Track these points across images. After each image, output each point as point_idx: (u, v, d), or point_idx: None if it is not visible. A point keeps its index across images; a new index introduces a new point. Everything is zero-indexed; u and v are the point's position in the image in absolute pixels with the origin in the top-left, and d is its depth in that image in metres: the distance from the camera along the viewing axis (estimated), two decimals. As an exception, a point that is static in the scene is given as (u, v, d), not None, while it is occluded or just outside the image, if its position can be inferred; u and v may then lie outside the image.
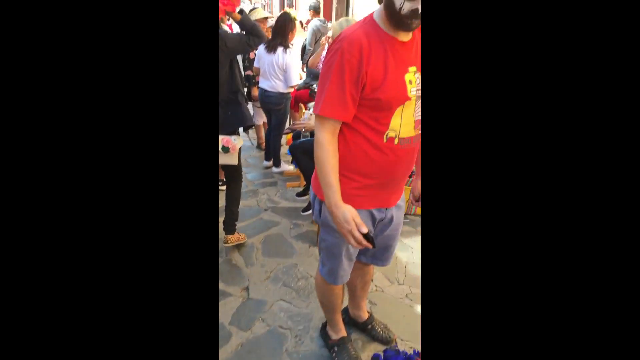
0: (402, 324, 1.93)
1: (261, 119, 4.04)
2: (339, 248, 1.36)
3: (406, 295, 2.15)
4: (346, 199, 1.18)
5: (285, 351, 1.81)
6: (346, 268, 1.45)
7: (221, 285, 2.23)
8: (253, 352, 1.81)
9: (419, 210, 3.06)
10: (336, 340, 1.72)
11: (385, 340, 1.79)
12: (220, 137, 2.20)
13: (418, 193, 1.54)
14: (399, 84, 1.13)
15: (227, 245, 2.50)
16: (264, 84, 3.45)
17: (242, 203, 2.80)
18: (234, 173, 2.42)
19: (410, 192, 1.54)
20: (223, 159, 2.23)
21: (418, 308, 2.07)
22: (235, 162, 2.30)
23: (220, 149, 2.20)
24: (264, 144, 3.89)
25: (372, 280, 2.19)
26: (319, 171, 1.18)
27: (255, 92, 3.73)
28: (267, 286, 2.21)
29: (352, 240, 1.14)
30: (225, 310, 2.05)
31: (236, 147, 2.23)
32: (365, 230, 1.14)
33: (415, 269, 2.35)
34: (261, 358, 1.78)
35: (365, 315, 1.85)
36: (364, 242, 1.13)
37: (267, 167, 3.80)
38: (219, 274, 2.32)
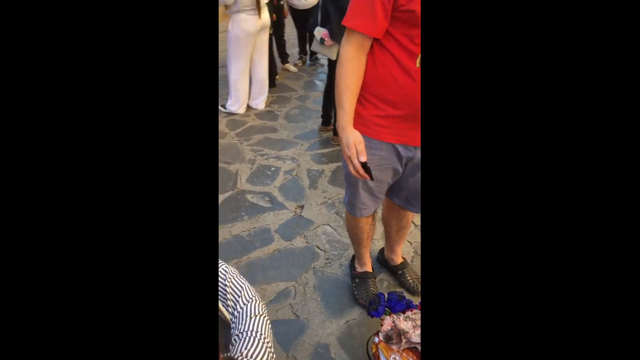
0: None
1: None
2: (354, 177, 1.29)
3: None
4: (366, 126, 1.13)
5: (312, 267, 1.93)
6: (366, 202, 1.41)
7: (280, 198, 2.42)
8: (285, 259, 1.98)
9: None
10: (359, 272, 1.77)
11: (412, 290, 1.77)
12: (320, 29, 2.51)
13: None
14: None
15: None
16: None
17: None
18: (332, 69, 2.74)
19: None
20: (319, 49, 2.64)
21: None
22: (333, 57, 2.55)
23: (318, 40, 2.56)
24: None
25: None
26: (335, 88, 1.14)
27: None
28: (320, 209, 2.33)
29: (351, 167, 1.11)
30: (276, 220, 2.24)
31: (330, 41, 2.50)
32: (363, 159, 1.08)
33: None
34: (291, 265, 1.94)
35: (399, 260, 1.84)
36: (362, 171, 1.09)
37: None
38: (276, 191, 2.50)
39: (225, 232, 2.16)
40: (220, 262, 1.03)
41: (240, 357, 0.77)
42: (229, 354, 0.81)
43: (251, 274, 1.92)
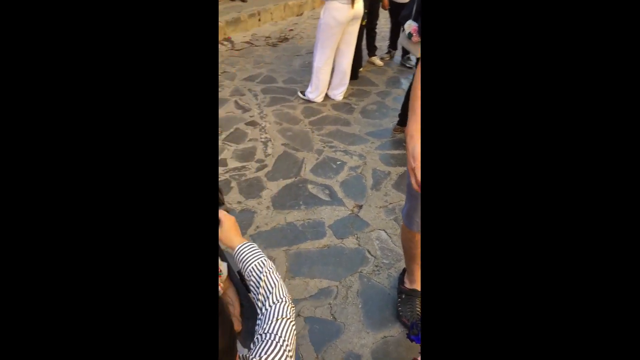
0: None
1: None
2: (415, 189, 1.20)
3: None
4: None
5: (359, 271, 1.86)
6: None
7: (340, 194, 2.36)
8: (333, 257, 1.93)
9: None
10: (407, 289, 1.66)
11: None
12: (411, 23, 2.50)
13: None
14: None
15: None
16: None
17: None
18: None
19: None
20: (405, 43, 2.72)
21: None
22: (418, 55, 2.54)
23: (406, 34, 2.53)
24: None
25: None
26: (411, 90, 1.03)
27: None
28: (378, 213, 2.23)
29: (413, 180, 1.01)
30: (332, 215, 2.20)
31: (418, 37, 2.48)
32: None
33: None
34: (338, 264, 1.89)
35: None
36: None
37: None
38: (336, 188, 2.45)
39: (280, 218, 2.17)
40: (261, 254, 1.02)
41: None
42: (246, 355, 0.79)
43: (297, 264, 1.90)
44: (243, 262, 1.01)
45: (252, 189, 2.38)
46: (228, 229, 1.08)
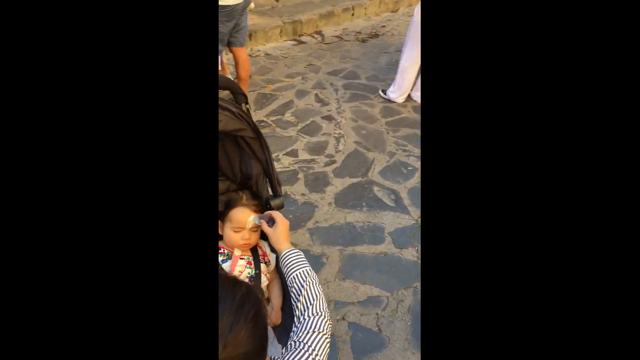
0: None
1: None
2: None
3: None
4: None
5: (414, 286, 1.76)
6: None
7: (406, 201, 2.25)
8: (389, 266, 1.85)
9: None
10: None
11: None
12: None
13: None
14: None
15: None
16: None
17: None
18: None
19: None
20: None
21: None
22: None
23: None
24: None
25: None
26: None
27: None
28: (445, 228, 2.08)
29: None
30: (394, 222, 2.10)
31: None
32: None
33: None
34: (393, 274, 1.80)
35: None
36: None
37: None
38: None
39: (340, 216, 2.13)
40: (306, 263, 1.02)
41: None
42: (276, 358, 0.78)
43: (350, 266, 1.85)
44: (287, 268, 1.01)
45: (317, 183, 2.37)
46: (280, 232, 1.08)
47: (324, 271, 1.85)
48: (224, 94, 1.24)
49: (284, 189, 2.31)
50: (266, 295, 1.22)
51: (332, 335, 1.61)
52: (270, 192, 1.24)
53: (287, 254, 1.03)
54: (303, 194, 2.28)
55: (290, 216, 2.13)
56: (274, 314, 1.16)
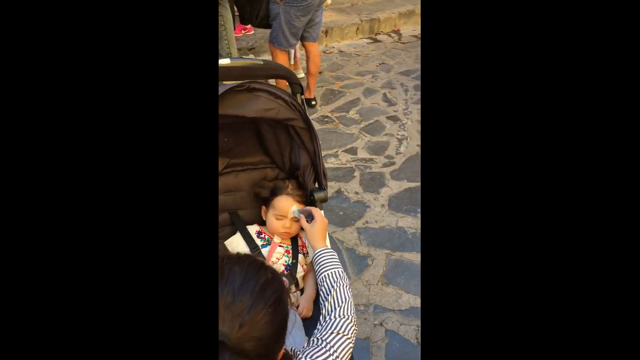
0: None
1: None
2: None
3: None
4: None
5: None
6: None
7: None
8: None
9: None
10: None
11: None
12: None
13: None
14: None
15: None
16: None
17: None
18: None
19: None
20: None
21: None
22: None
23: None
24: None
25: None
26: None
27: None
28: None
29: None
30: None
31: None
32: None
33: None
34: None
35: None
36: None
37: None
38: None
39: (392, 220, 2.06)
40: (338, 265, 1.01)
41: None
42: (295, 350, 0.77)
43: (395, 272, 1.79)
44: (319, 266, 1.00)
45: (373, 183, 2.32)
46: (317, 230, 1.08)
47: (367, 273, 1.81)
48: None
49: (338, 185, 2.30)
50: (300, 286, 1.23)
51: (367, 340, 1.56)
52: (316, 185, 1.24)
53: (321, 253, 1.02)
54: (356, 192, 2.25)
55: (341, 213, 2.11)
56: (306, 305, 1.16)
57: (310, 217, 1.10)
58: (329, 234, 2.08)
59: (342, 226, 2.04)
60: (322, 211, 1.18)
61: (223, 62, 1.05)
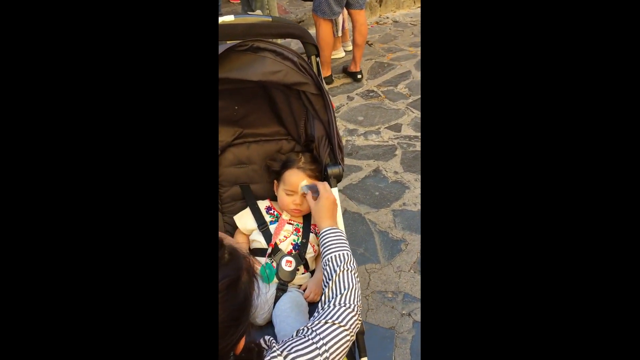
0: None
1: None
2: None
3: None
4: None
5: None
6: None
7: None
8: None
9: None
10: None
11: None
12: None
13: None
14: None
15: None
16: None
17: None
18: None
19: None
20: None
21: None
22: None
23: None
24: None
25: None
26: None
27: None
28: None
29: None
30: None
31: None
32: None
33: None
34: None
35: None
36: None
37: None
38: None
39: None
40: (346, 247, 0.88)
41: (276, 355, 0.63)
42: (268, 341, 0.68)
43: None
44: (325, 247, 0.88)
45: (415, 162, 2.14)
46: (322, 207, 0.95)
47: (399, 258, 1.67)
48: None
49: (377, 163, 2.15)
50: (311, 267, 1.14)
51: (392, 329, 1.45)
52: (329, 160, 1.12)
53: (326, 233, 0.90)
54: (396, 172, 2.09)
55: (377, 193, 1.97)
56: (313, 289, 1.07)
57: (317, 193, 0.98)
58: (362, 214, 1.97)
59: (376, 207, 1.90)
60: (335, 188, 1.07)
61: (226, 18, 0.95)
